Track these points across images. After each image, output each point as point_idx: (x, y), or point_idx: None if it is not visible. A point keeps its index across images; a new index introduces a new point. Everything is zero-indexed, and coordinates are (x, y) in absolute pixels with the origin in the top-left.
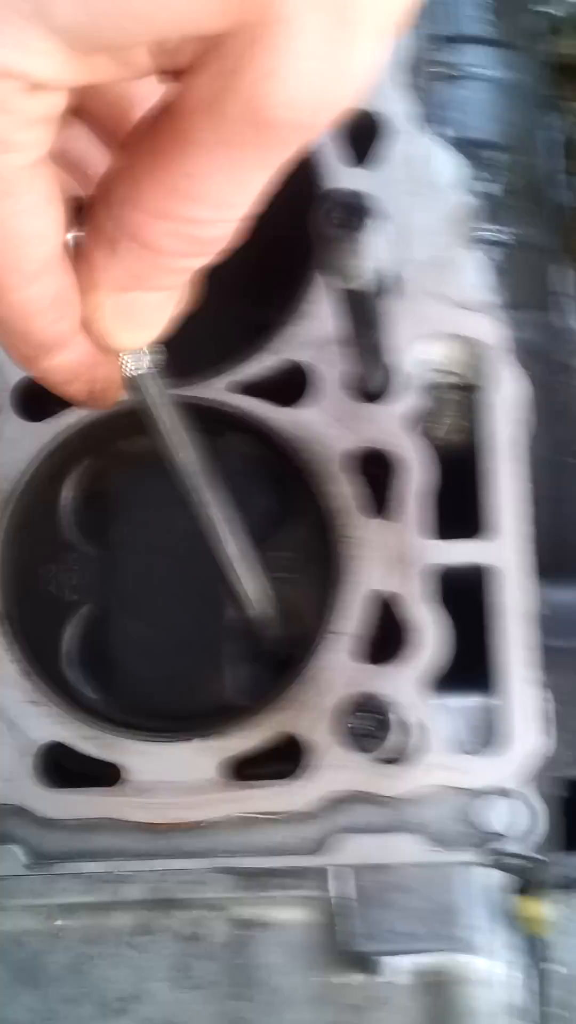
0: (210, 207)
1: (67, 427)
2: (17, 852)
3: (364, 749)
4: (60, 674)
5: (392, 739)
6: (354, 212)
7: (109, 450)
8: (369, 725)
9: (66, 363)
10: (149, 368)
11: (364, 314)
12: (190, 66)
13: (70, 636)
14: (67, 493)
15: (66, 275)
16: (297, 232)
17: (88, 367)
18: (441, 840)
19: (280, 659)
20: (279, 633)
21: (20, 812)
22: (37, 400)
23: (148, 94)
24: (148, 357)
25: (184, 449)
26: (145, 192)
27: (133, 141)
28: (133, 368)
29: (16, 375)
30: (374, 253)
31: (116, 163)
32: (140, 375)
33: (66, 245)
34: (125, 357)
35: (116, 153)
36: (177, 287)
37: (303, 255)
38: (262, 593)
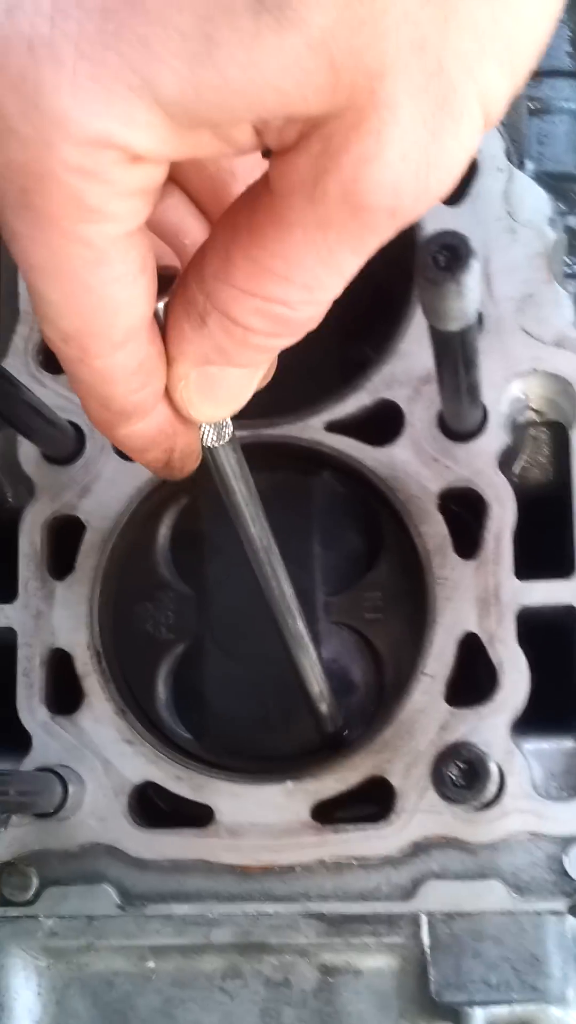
0: (301, 289)
1: None
2: (110, 892)
3: (458, 801)
4: (154, 713)
5: (484, 789)
6: (459, 255)
7: (205, 490)
8: (465, 778)
9: (146, 431)
10: (228, 439)
11: (464, 354)
12: (293, 145)
13: (164, 675)
14: (163, 532)
15: (152, 344)
16: (393, 271)
17: (167, 436)
18: (530, 888)
19: (335, 738)
20: (335, 712)
21: (113, 852)
22: None
23: (250, 168)
24: (229, 429)
25: (257, 523)
26: (238, 269)
27: (230, 216)
28: (213, 439)
29: None
30: (475, 294)
31: (212, 237)
32: (219, 446)
33: (155, 315)
34: (205, 428)
35: (213, 227)
36: (262, 364)
37: (398, 294)
38: (319, 673)
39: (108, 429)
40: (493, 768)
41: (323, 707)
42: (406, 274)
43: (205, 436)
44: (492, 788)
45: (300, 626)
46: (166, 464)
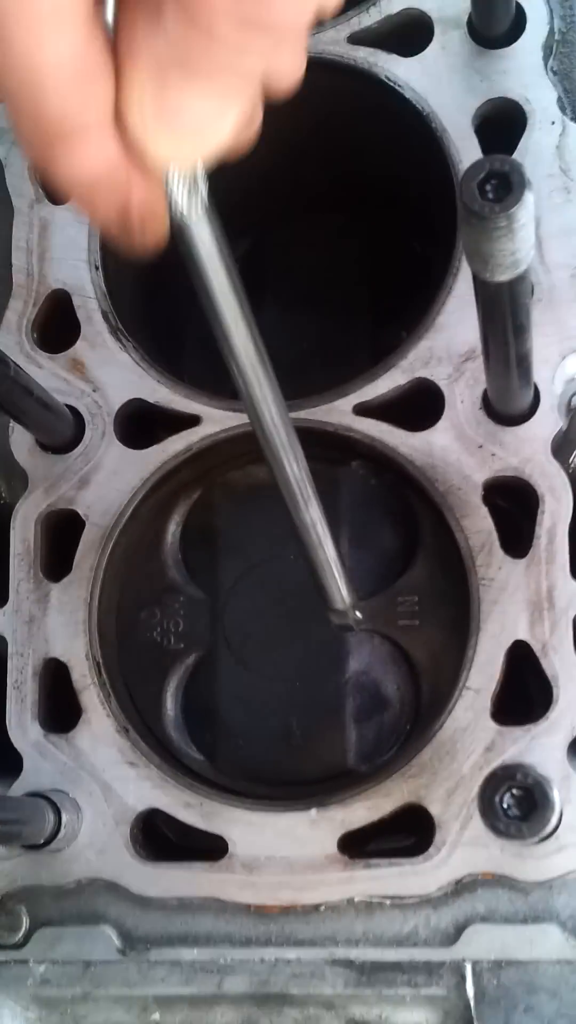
0: None
1: (175, 455)
2: (110, 934)
3: (512, 835)
4: (161, 732)
5: (543, 820)
6: (511, 184)
7: (221, 481)
8: (521, 807)
9: (92, 163)
10: (202, 209)
11: (514, 315)
12: None
13: (173, 689)
14: (173, 529)
15: (92, 36)
16: (428, 238)
17: (120, 180)
18: None
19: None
20: (348, 602)
21: (114, 888)
22: (143, 426)
23: None
24: (201, 190)
25: (250, 343)
26: None
27: None
28: (180, 197)
29: (120, 398)
30: (530, 236)
31: None
32: (187, 211)
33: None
34: (171, 181)
35: None
36: (232, 91)
37: (437, 265)
38: (338, 571)
39: (44, 152)
40: (554, 796)
41: (337, 602)
42: (446, 240)
43: (171, 191)
44: (552, 819)
45: (313, 511)
46: (122, 222)
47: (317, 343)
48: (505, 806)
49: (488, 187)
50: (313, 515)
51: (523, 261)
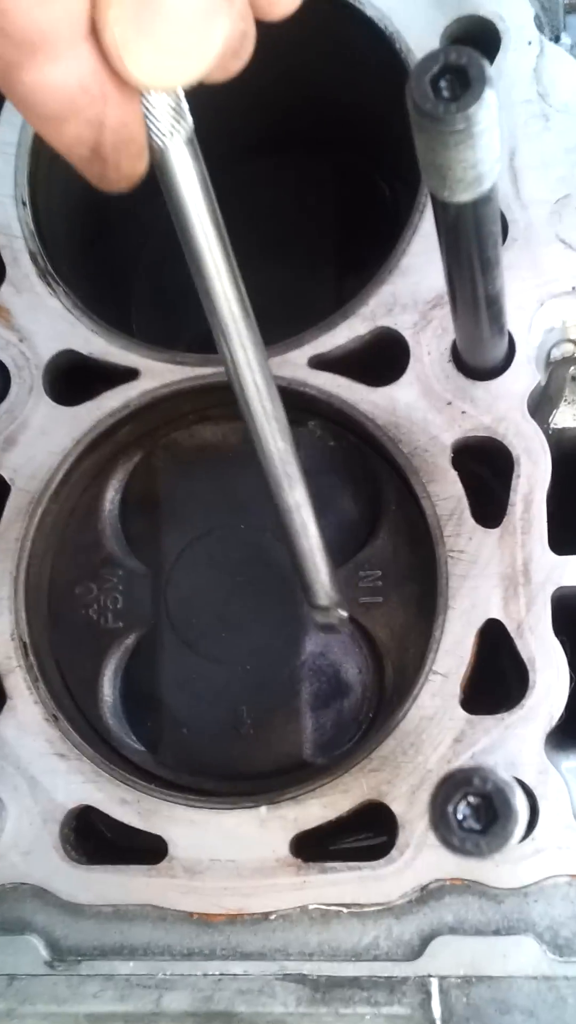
0: None
1: (111, 413)
2: (36, 945)
3: (468, 851)
4: (97, 720)
5: (504, 834)
6: (470, 79)
7: (164, 443)
8: (479, 817)
9: (63, 82)
10: (185, 135)
11: (481, 246)
12: None
13: (111, 673)
14: (112, 496)
15: None
16: (392, 174)
17: (94, 98)
18: (570, 947)
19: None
20: (333, 597)
21: (41, 894)
22: (77, 380)
23: None
24: (185, 118)
25: (232, 292)
26: None
27: None
28: (161, 121)
29: (50, 349)
30: (494, 145)
31: None
32: (170, 138)
33: None
34: (150, 104)
35: None
36: (221, 3)
37: (403, 203)
38: (322, 560)
39: (10, 73)
40: (518, 805)
41: (321, 598)
42: (413, 177)
43: (151, 114)
44: (515, 832)
45: (298, 494)
46: (95, 152)
47: (277, 295)
48: (460, 817)
49: (443, 83)
50: (298, 497)
51: (487, 176)
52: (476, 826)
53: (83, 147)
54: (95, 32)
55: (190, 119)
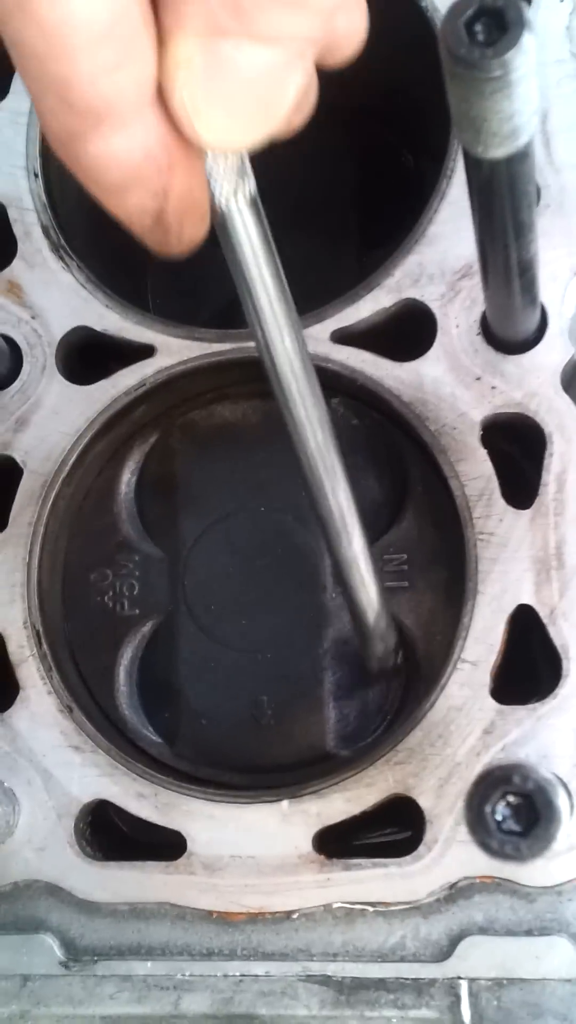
0: None
1: (126, 391)
2: (51, 944)
3: (508, 854)
4: (113, 711)
5: (546, 836)
6: (507, 22)
7: (181, 423)
8: (519, 819)
9: (128, 151)
10: (249, 197)
11: (515, 207)
12: None
13: (127, 662)
14: (127, 478)
15: None
16: (426, 152)
17: (159, 168)
18: None
19: (388, 672)
20: (391, 646)
21: (55, 892)
22: (91, 358)
23: None
24: (249, 180)
25: (296, 352)
26: None
27: None
28: (224, 187)
29: (63, 326)
30: (531, 96)
31: None
32: (233, 201)
33: None
34: (213, 165)
35: None
36: (292, 58)
37: (432, 179)
38: (379, 597)
39: (73, 144)
40: (561, 805)
41: (379, 649)
42: (439, 146)
43: (215, 181)
44: (559, 833)
45: (357, 547)
46: (157, 220)
47: (299, 269)
48: (499, 818)
49: (478, 27)
50: (356, 549)
51: (523, 129)
52: (516, 828)
53: (146, 216)
54: (162, 97)
55: (252, 178)
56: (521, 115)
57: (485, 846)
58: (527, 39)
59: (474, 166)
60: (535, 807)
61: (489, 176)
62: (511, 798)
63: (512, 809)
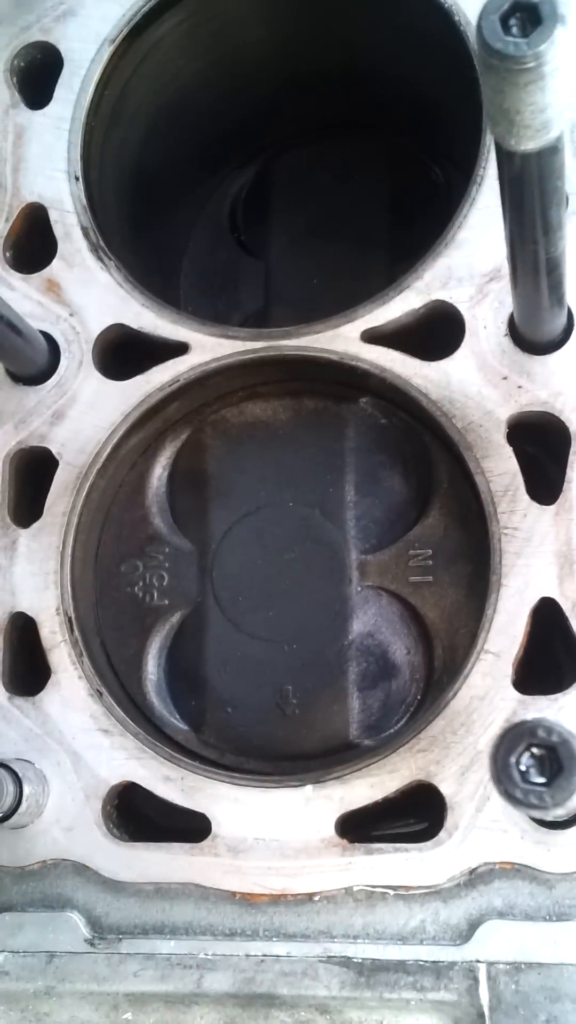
0: None
1: (160, 387)
2: (77, 922)
3: (533, 804)
4: (141, 698)
5: (570, 786)
6: (541, 16)
7: (213, 420)
8: (543, 769)
9: None
10: None
11: (544, 203)
12: None
13: (156, 650)
14: (160, 472)
15: None
16: (454, 165)
17: None
18: None
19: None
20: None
21: (82, 871)
22: (127, 355)
23: None
24: None
25: None
26: None
27: None
28: None
29: (100, 323)
30: (563, 89)
31: None
32: None
33: None
34: None
35: None
36: None
37: (459, 193)
38: None
39: None
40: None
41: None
42: (467, 156)
43: None
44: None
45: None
46: None
47: (331, 274)
48: (523, 768)
49: (512, 21)
50: None
51: (554, 122)
52: (540, 779)
53: None
54: None
55: None
56: (552, 107)
57: (509, 796)
58: (560, 32)
59: (506, 160)
60: (558, 758)
61: (520, 170)
62: (535, 750)
63: (536, 760)
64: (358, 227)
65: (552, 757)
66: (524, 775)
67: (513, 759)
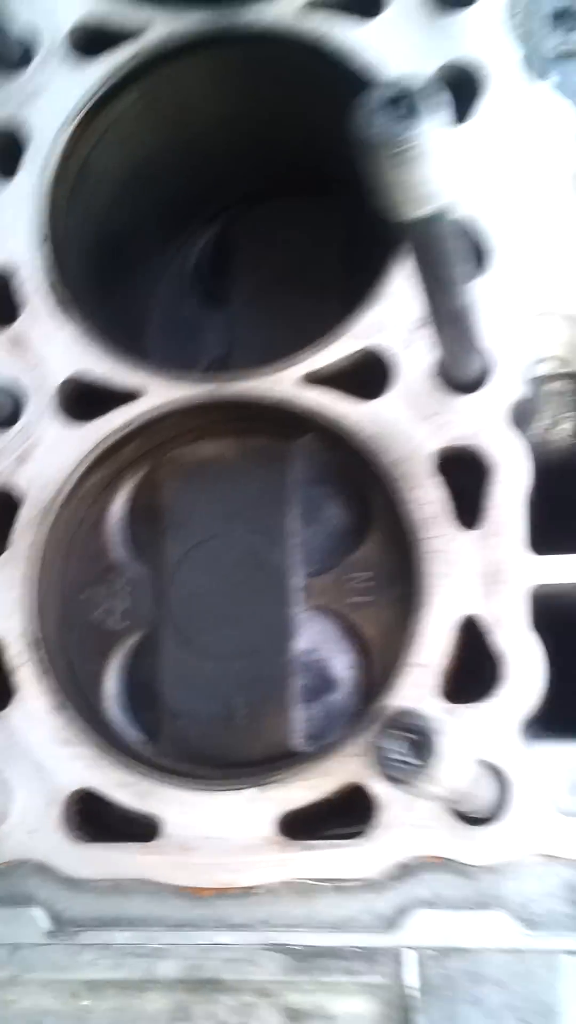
0: None
1: (116, 429)
2: (39, 916)
3: (397, 780)
4: (99, 711)
5: (434, 768)
6: (411, 105)
7: (169, 458)
8: (404, 750)
9: None
10: None
11: (438, 262)
12: None
13: (114, 668)
14: (117, 506)
15: None
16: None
17: None
18: (542, 922)
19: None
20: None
21: (43, 870)
22: (89, 402)
23: None
24: None
25: None
26: None
27: None
28: None
29: (63, 372)
30: (445, 163)
31: None
32: None
33: None
34: None
35: None
36: None
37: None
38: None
39: None
40: (433, 741)
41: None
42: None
43: None
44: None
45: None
46: None
47: (287, 323)
48: (390, 755)
49: (385, 111)
50: None
51: (438, 191)
52: (404, 756)
53: None
54: None
55: None
56: (432, 180)
57: (390, 776)
58: (429, 120)
59: (400, 228)
60: (414, 739)
61: (412, 235)
62: (396, 732)
63: (397, 742)
64: (316, 277)
65: (408, 740)
66: (385, 757)
67: (379, 742)
